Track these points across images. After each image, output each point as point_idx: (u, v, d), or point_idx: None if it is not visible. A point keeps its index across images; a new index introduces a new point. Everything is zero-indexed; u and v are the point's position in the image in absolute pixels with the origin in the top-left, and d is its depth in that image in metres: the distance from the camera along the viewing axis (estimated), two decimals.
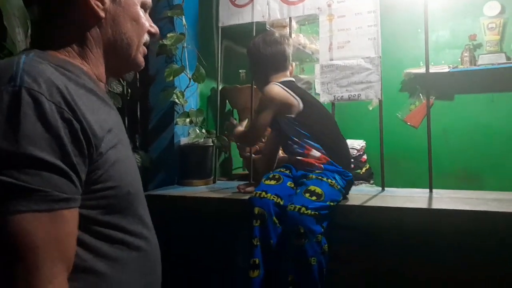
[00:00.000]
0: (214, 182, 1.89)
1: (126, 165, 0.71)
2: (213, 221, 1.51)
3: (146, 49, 0.83)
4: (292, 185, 1.39)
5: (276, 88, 1.46)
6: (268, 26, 2.13)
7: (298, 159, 1.43)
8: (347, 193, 1.44)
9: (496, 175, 3.63)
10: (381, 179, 1.67)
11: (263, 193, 1.30)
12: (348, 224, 1.32)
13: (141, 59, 0.82)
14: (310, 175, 1.35)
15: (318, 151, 1.41)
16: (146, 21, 0.81)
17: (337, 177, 1.35)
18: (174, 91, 1.80)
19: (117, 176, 0.67)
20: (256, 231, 1.26)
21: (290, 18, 1.84)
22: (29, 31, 1.13)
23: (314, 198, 1.22)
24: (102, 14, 0.72)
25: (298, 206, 1.19)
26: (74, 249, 0.61)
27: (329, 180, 1.31)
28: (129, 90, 1.72)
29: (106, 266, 0.65)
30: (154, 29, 0.84)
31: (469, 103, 3.72)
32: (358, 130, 3.07)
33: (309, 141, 1.43)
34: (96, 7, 0.70)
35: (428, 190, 1.57)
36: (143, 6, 0.81)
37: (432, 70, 3.86)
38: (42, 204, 0.54)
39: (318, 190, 1.25)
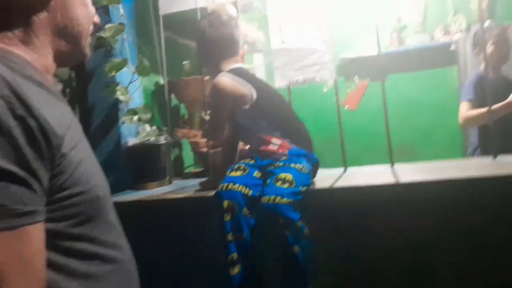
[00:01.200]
0: (170, 182, 1.77)
1: (90, 166, 0.63)
2: (179, 223, 1.40)
3: (90, 40, 0.76)
4: (259, 175, 1.33)
5: (224, 81, 1.35)
6: None
7: (260, 149, 1.37)
8: (314, 176, 1.41)
9: (428, 146, 3.92)
10: (343, 159, 1.67)
11: (230, 184, 1.23)
12: (321, 207, 1.29)
13: (88, 48, 0.74)
14: (277, 163, 1.30)
15: (279, 139, 1.36)
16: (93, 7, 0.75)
17: (303, 161, 1.31)
18: (117, 87, 1.65)
19: (84, 179, 0.59)
20: (228, 226, 1.19)
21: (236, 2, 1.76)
22: None
23: (286, 185, 1.17)
24: None
25: (272, 197, 1.13)
26: (44, 270, 0.52)
27: (297, 165, 1.27)
28: (67, 90, 1.53)
29: (80, 286, 0.57)
30: (97, 18, 0.78)
31: (400, 81, 3.94)
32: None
33: (268, 131, 1.37)
34: None
35: (389, 165, 1.59)
36: None
37: (364, 54, 4.02)
38: (1, 221, 0.46)
39: (288, 176, 1.20)
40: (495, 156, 1.50)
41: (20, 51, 0.61)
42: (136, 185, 1.69)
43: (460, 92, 2.22)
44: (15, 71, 0.54)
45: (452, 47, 3.59)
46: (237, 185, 1.23)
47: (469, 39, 3.40)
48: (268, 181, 1.24)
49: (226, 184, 1.24)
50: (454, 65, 3.80)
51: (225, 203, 1.20)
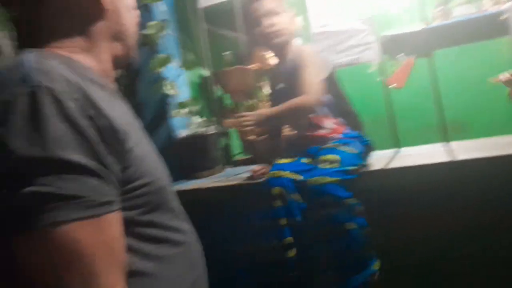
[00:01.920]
0: (222, 170, 1.81)
1: (153, 160, 0.68)
2: (233, 209, 1.44)
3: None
4: (308, 161, 1.33)
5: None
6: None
7: (308, 135, 1.38)
8: (367, 159, 1.40)
9: (482, 121, 3.74)
10: (395, 140, 1.63)
11: (280, 171, 1.25)
12: (375, 190, 1.28)
13: (136, 49, 0.79)
14: (324, 146, 1.31)
15: (332, 120, 1.36)
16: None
17: (355, 143, 1.30)
18: (164, 83, 1.70)
19: (149, 171, 0.63)
20: (280, 212, 1.21)
21: None
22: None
23: (333, 165, 1.19)
24: (108, 5, 0.67)
25: (317, 178, 1.15)
26: (124, 253, 0.57)
27: (343, 147, 1.28)
28: (119, 88, 1.60)
29: (154, 267, 0.62)
30: (138, 17, 0.82)
31: (448, 56, 3.77)
32: None
33: (325, 110, 1.37)
34: None
35: (443, 144, 1.55)
36: None
37: (409, 29, 3.88)
38: (84, 211, 0.50)
39: (332, 157, 1.22)
40: None
41: (82, 59, 0.66)
42: (190, 174, 1.75)
43: None
44: (81, 75, 0.58)
45: (504, 17, 3.38)
46: (286, 171, 1.25)
47: None
48: (315, 163, 1.26)
49: (274, 172, 1.26)
50: (506, 35, 3.58)
51: (275, 190, 1.22)
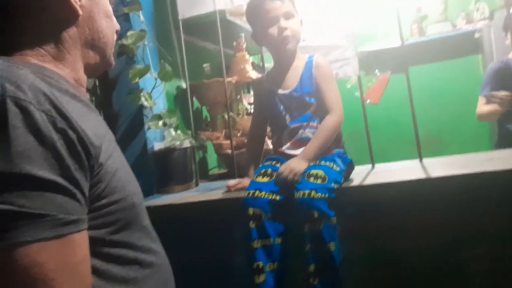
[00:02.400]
0: (196, 185, 1.78)
1: (125, 174, 0.66)
2: (207, 225, 1.41)
3: (114, 48, 0.80)
4: None
5: None
6: (229, 15, 2.03)
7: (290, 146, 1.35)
8: (348, 177, 1.39)
9: (455, 137, 3.85)
10: (370, 157, 1.65)
11: (257, 192, 1.21)
12: (350, 206, 1.27)
13: (112, 58, 0.78)
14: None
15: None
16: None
17: (336, 160, 1.29)
18: (142, 94, 1.67)
19: (120, 187, 0.62)
20: (254, 233, 1.18)
21: None
22: None
23: (319, 181, 1.16)
24: (80, 11, 0.65)
25: (307, 191, 1.12)
26: (90, 276, 0.54)
27: (327, 163, 1.26)
28: (93, 98, 1.56)
29: None
30: (118, 27, 0.81)
31: (423, 73, 3.87)
32: None
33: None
34: (74, 3, 0.64)
35: (418, 160, 1.56)
36: (110, 1, 0.77)
37: (385, 46, 3.96)
38: (49, 230, 0.47)
39: (320, 173, 1.18)
40: None
41: (54, 67, 0.64)
42: (163, 189, 1.71)
43: (482, 84, 2.23)
44: (52, 85, 0.57)
45: (476, 35, 3.50)
46: (263, 192, 1.21)
47: (493, 27, 3.31)
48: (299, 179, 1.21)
49: (252, 191, 1.22)
50: (478, 54, 3.70)
51: (251, 211, 1.19)
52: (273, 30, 1.33)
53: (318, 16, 1.65)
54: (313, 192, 1.11)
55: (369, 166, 1.63)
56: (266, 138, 1.59)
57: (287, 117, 1.37)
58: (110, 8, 0.74)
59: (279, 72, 1.42)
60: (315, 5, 1.66)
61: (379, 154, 1.70)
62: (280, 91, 1.38)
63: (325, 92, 1.34)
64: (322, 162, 1.26)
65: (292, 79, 1.38)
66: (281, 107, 1.38)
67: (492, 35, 3.26)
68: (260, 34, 1.39)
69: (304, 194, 1.12)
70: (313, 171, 1.20)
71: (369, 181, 1.34)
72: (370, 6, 4.08)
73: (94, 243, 0.56)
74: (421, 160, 1.55)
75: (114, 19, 0.76)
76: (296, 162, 1.24)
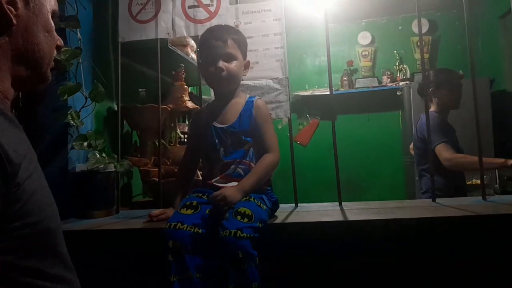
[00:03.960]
0: (117, 212, 1.70)
1: (44, 196, 0.63)
2: (125, 255, 1.34)
3: (53, 64, 0.77)
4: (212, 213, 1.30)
5: None
6: (170, 45, 2.05)
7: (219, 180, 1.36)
8: (273, 215, 1.42)
9: (374, 184, 4.12)
10: (294, 196, 1.70)
11: (179, 224, 1.18)
12: (272, 242, 1.30)
13: (49, 74, 0.74)
14: None
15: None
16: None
17: (264, 197, 1.32)
18: (69, 112, 1.59)
19: (36, 209, 0.58)
20: (172, 267, 1.14)
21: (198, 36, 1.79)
22: None
23: (246, 220, 1.16)
24: (15, 20, 0.62)
25: (233, 231, 1.12)
26: None
27: (255, 200, 1.28)
28: (13, 111, 1.46)
29: None
30: (60, 42, 0.78)
31: (350, 122, 4.15)
32: None
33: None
34: (8, 12, 0.60)
35: (337, 203, 1.65)
36: (53, 15, 0.74)
37: (317, 92, 4.22)
38: None
39: (247, 211, 1.20)
40: (433, 199, 1.62)
41: None
42: (81, 213, 1.61)
43: (432, 135, 2.06)
44: None
45: (398, 93, 3.85)
46: (185, 225, 1.18)
47: (412, 88, 3.67)
48: (227, 214, 1.21)
49: (174, 223, 1.19)
50: (399, 110, 4.07)
51: (170, 243, 1.15)
52: (211, 69, 1.38)
53: (256, 60, 1.72)
54: (239, 232, 1.12)
55: (293, 205, 1.68)
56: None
57: (221, 151, 1.39)
58: (50, 22, 0.71)
59: (218, 106, 1.45)
60: (255, 51, 1.73)
61: (303, 194, 1.77)
62: (218, 125, 1.41)
63: (265, 132, 1.40)
64: (252, 199, 1.28)
65: (231, 115, 1.42)
66: (216, 140, 1.39)
67: (411, 94, 3.62)
68: (202, 68, 1.45)
69: (230, 233, 1.12)
70: (241, 209, 1.21)
71: (292, 219, 1.38)
72: (307, 55, 4.35)
73: (1, 268, 0.52)
74: (340, 204, 1.64)
75: (55, 34, 0.73)
76: (231, 192, 1.25)
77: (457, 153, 2.17)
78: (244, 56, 1.46)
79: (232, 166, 1.37)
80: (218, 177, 1.38)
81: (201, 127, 1.45)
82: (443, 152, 2.13)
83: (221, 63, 1.36)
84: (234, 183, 1.32)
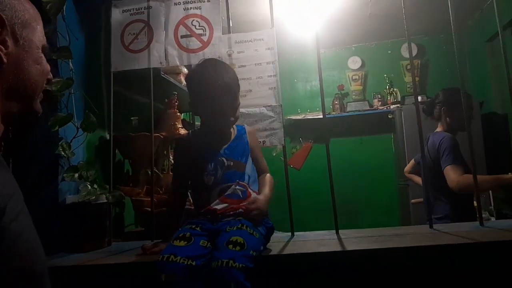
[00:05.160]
0: (109, 244, 1.66)
1: (30, 239, 0.60)
2: None
3: (42, 95, 0.75)
4: (205, 244, 1.27)
5: None
6: (163, 73, 2.05)
7: (213, 209, 1.34)
8: (268, 241, 1.39)
9: (369, 207, 4.10)
10: (291, 225, 1.67)
11: (172, 256, 1.15)
12: (267, 273, 1.27)
13: (39, 106, 0.74)
14: (228, 227, 1.27)
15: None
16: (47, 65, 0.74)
17: (259, 227, 1.30)
18: (60, 143, 1.57)
19: (21, 254, 0.55)
20: None
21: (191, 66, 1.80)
22: None
23: (238, 248, 1.14)
24: (5, 59, 0.62)
25: (225, 260, 1.08)
26: None
27: (247, 229, 1.25)
28: (2, 144, 1.43)
29: None
30: (50, 75, 0.77)
31: (343, 145, 4.16)
32: None
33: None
34: None
35: (334, 231, 1.62)
36: (43, 49, 0.74)
37: (309, 116, 4.24)
38: None
39: (239, 239, 1.17)
40: (431, 225, 1.60)
41: None
42: (72, 246, 1.56)
43: (445, 156, 2.12)
44: None
45: (390, 116, 3.89)
46: (179, 257, 1.14)
47: (403, 110, 3.71)
48: (219, 244, 1.19)
49: (167, 256, 1.15)
50: (391, 133, 4.10)
51: (163, 277, 1.11)
52: (211, 106, 1.37)
53: (249, 88, 1.72)
54: (231, 262, 1.09)
55: (289, 234, 1.65)
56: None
57: (219, 175, 1.38)
58: (40, 55, 0.70)
59: (210, 132, 1.44)
60: (252, 75, 1.74)
61: (298, 220, 1.74)
62: (214, 150, 1.40)
63: (259, 156, 1.51)
64: (244, 227, 1.25)
65: (226, 139, 1.44)
66: (213, 165, 1.38)
67: (402, 117, 3.65)
68: (198, 106, 1.42)
69: (222, 263, 1.09)
70: (233, 238, 1.18)
71: (289, 250, 1.35)
72: (298, 80, 4.40)
73: None
74: (337, 232, 1.61)
75: (46, 64, 0.72)
76: (263, 203, 1.35)
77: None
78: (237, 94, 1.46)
79: (231, 187, 1.37)
80: (217, 200, 1.36)
81: (193, 153, 1.44)
82: (451, 173, 2.05)
83: (222, 102, 1.36)
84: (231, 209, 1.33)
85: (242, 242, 1.17)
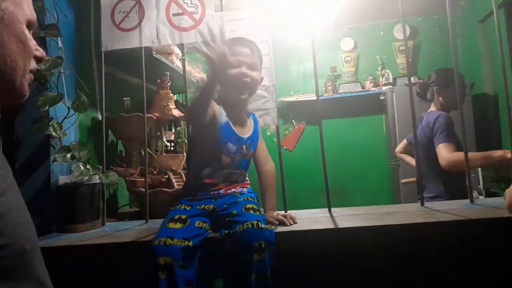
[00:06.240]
0: (103, 224, 1.66)
1: (18, 216, 0.59)
2: (113, 272, 1.30)
3: (32, 76, 0.72)
4: (201, 224, 1.27)
5: None
6: (155, 52, 2.02)
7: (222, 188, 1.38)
8: None
9: (361, 188, 4.14)
10: (284, 204, 1.69)
11: (168, 239, 1.14)
12: None
13: (26, 87, 0.70)
14: (236, 200, 1.33)
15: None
16: (32, 43, 0.70)
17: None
18: (51, 123, 1.55)
19: (10, 230, 0.55)
20: (162, 284, 1.10)
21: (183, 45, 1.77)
22: None
23: (258, 213, 1.24)
24: None
25: (254, 222, 1.14)
26: None
27: (254, 199, 1.37)
28: None
29: None
30: (40, 52, 0.75)
31: (335, 126, 4.17)
32: None
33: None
34: None
35: (327, 209, 1.64)
36: (29, 25, 0.70)
37: (302, 98, 4.23)
38: None
39: (255, 207, 1.27)
40: (422, 203, 1.62)
41: None
42: (65, 227, 1.56)
43: (439, 135, 2.11)
44: None
45: (381, 97, 3.89)
46: (175, 240, 1.15)
47: (395, 92, 3.71)
48: (235, 211, 1.25)
49: (163, 239, 1.14)
50: (382, 114, 4.11)
51: (161, 260, 1.11)
52: (233, 72, 1.33)
53: None
54: (259, 223, 1.14)
55: (282, 212, 1.66)
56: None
57: (234, 161, 1.41)
58: (24, 32, 0.67)
59: (235, 112, 1.43)
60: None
61: (291, 200, 1.76)
62: (240, 135, 1.41)
63: (262, 143, 1.53)
64: (250, 199, 1.35)
65: (248, 127, 1.47)
66: (233, 148, 1.39)
67: (394, 98, 3.65)
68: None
69: (252, 225, 1.13)
70: (249, 205, 1.27)
71: (283, 228, 1.37)
72: (291, 61, 4.37)
73: None
74: (330, 210, 1.63)
75: (31, 44, 0.69)
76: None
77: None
78: (261, 71, 1.47)
79: (235, 175, 1.42)
80: (221, 185, 1.39)
81: (218, 126, 1.36)
82: (443, 151, 2.05)
83: (245, 69, 1.36)
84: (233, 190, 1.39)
85: (257, 209, 1.26)
